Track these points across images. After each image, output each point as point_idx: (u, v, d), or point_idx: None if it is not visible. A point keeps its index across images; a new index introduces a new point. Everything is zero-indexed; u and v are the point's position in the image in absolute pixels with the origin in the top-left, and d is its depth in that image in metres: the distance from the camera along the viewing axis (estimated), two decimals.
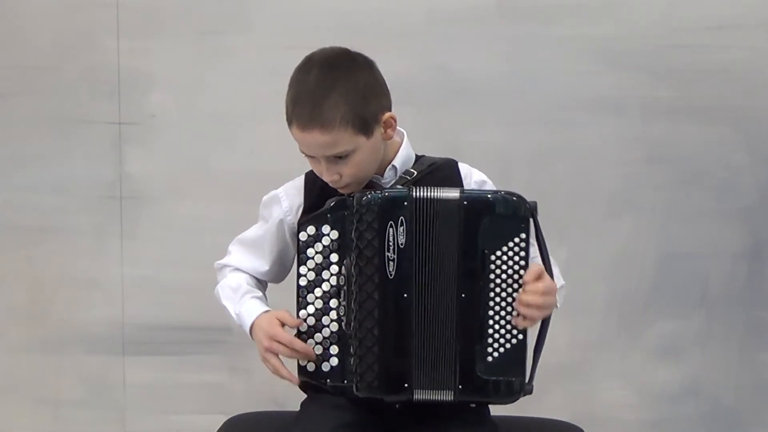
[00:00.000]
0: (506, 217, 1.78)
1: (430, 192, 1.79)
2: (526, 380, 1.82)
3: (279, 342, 1.82)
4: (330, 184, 1.87)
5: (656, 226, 2.86)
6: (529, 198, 1.81)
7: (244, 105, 2.80)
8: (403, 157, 1.92)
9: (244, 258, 1.99)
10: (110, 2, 2.79)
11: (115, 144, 2.85)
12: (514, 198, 1.79)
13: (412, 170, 1.91)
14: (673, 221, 2.85)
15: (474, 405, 1.85)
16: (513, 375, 1.80)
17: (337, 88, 1.79)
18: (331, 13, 2.75)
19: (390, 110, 1.87)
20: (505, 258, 1.78)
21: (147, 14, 2.80)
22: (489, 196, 1.80)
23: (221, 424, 2.03)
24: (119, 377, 2.93)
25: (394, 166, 1.91)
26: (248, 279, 1.97)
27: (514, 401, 1.83)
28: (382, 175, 1.91)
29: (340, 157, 1.82)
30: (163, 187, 2.85)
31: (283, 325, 1.84)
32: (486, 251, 1.78)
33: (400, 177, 1.90)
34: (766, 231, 2.87)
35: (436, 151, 1.98)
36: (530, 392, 1.83)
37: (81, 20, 2.80)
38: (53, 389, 2.94)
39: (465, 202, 1.78)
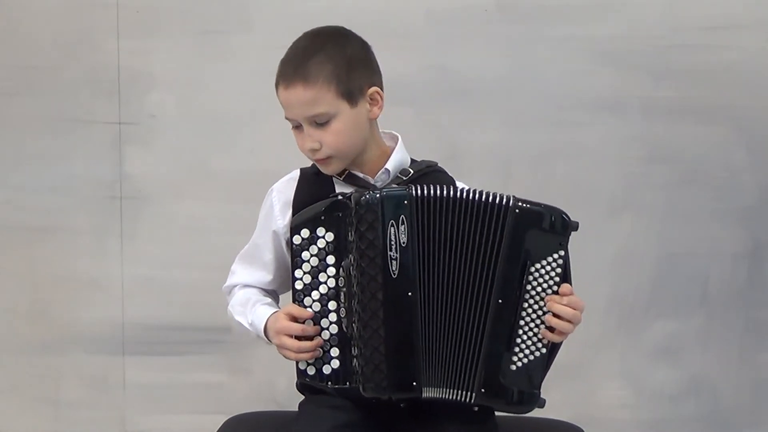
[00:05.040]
0: (553, 233, 1.79)
1: (441, 192, 1.77)
2: (540, 393, 1.83)
3: (287, 334, 1.79)
4: (310, 157, 1.86)
5: (656, 226, 2.86)
6: (528, 197, 1.81)
7: (244, 105, 2.80)
8: (397, 161, 1.91)
9: (247, 273, 1.97)
10: (110, 2, 2.79)
11: (115, 144, 2.85)
12: (563, 215, 1.80)
13: (409, 169, 1.90)
14: (673, 221, 2.85)
15: (477, 408, 1.84)
16: (532, 386, 1.81)
17: (325, 49, 1.84)
18: (331, 14, 2.72)
19: (379, 87, 1.87)
20: (543, 271, 1.79)
21: (147, 14, 2.80)
22: (543, 209, 1.79)
23: (221, 424, 2.03)
24: (119, 377, 2.93)
25: (386, 169, 1.90)
26: (256, 292, 1.96)
27: (527, 412, 1.84)
28: (374, 178, 1.90)
29: (320, 124, 1.82)
30: (163, 187, 2.85)
31: (295, 319, 1.81)
32: (528, 261, 1.78)
33: (396, 177, 1.89)
34: (766, 231, 2.87)
35: (435, 151, 1.98)
36: (542, 406, 1.84)
37: (81, 20, 2.80)
38: (53, 389, 2.94)
39: (517, 210, 1.78)
